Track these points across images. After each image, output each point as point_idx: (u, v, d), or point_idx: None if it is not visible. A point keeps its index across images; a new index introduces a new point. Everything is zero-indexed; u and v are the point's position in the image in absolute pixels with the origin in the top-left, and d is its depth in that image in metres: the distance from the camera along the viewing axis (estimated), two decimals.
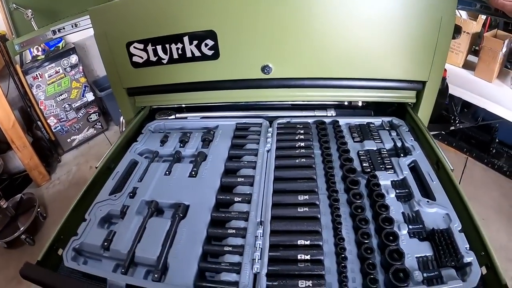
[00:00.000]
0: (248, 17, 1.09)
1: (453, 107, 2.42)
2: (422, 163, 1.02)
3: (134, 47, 1.22)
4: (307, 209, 0.84)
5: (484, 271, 0.77)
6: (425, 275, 0.74)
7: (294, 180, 0.94)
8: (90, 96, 3.09)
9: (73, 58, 2.88)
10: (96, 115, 3.22)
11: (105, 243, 0.86)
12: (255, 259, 0.76)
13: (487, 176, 2.54)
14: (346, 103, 1.31)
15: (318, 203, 0.87)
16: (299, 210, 0.84)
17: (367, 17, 1.08)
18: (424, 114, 1.27)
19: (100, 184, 1.06)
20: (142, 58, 1.24)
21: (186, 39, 1.16)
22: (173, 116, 1.35)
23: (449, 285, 0.73)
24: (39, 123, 2.89)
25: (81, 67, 2.94)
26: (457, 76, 2.23)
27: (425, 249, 0.79)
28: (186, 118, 1.33)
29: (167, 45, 1.19)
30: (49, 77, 2.79)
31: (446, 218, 0.86)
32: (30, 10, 1.29)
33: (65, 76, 2.88)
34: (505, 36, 2.10)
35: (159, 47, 1.20)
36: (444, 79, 1.41)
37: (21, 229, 2.21)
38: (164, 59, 1.22)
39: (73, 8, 1.36)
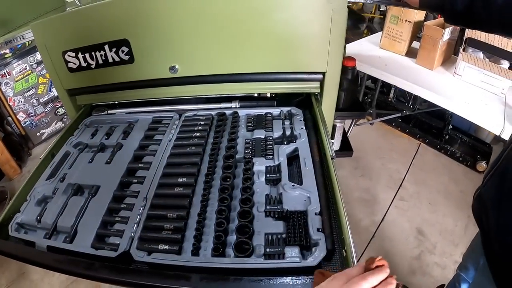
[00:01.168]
0: (154, 24, 1.39)
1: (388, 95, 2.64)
2: (302, 150, 1.25)
3: (68, 55, 1.53)
4: (182, 189, 1.15)
5: (344, 254, 0.90)
6: (268, 250, 0.91)
7: (181, 165, 1.25)
8: (56, 91, 3.43)
9: (39, 55, 3.18)
10: (63, 109, 3.56)
11: (38, 217, 1.18)
12: (133, 226, 1.08)
13: (438, 161, 2.81)
14: (256, 95, 1.59)
15: (194, 184, 1.17)
16: (175, 190, 1.15)
17: (264, 11, 1.31)
18: (328, 103, 1.53)
19: (42, 171, 1.37)
20: (75, 64, 1.55)
21: (106, 47, 1.47)
22: (105, 112, 1.67)
23: (287, 261, 0.88)
24: (9, 119, 3.24)
25: None
26: (398, 64, 2.47)
27: (277, 228, 0.98)
28: (115, 114, 1.64)
29: (93, 53, 1.50)
30: (16, 74, 3.12)
31: (307, 201, 1.03)
32: None
33: (32, 72, 3.21)
34: (448, 25, 2.32)
35: (87, 55, 1.51)
36: (353, 68, 1.67)
37: None
38: (92, 64, 1.53)
39: (27, 16, 1.70)
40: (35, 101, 3.32)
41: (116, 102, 1.71)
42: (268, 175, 1.20)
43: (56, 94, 3.43)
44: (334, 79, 1.48)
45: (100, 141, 1.48)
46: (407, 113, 2.71)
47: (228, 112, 1.50)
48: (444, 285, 1.83)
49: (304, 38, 1.37)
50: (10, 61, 3.07)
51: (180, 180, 1.19)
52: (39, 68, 3.24)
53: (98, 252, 1.02)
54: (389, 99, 2.77)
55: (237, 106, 1.54)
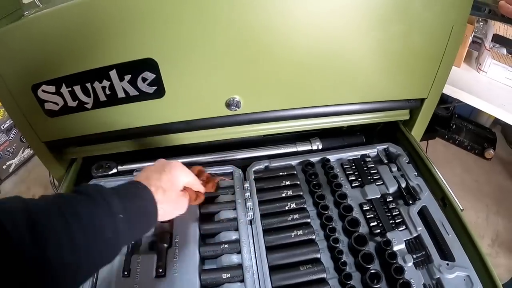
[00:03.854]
0: (200, 41, 0.74)
1: None
2: (432, 209, 0.82)
3: (43, 90, 0.81)
4: None
5: None
6: None
7: (296, 267, 0.67)
8: None
9: None
10: None
11: None
12: None
13: (449, 152, 2.51)
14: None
15: None
16: None
17: (356, 35, 0.78)
18: (418, 131, 1.05)
19: None
20: (57, 104, 0.83)
21: (113, 73, 0.78)
22: (114, 170, 0.97)
23: None
24: None
25: None
26: None
27: None
28: (132, 172, 0.95)
29: (88, 84, 0.80)
30: None
31: (467, 281, 0.69)
32: None
33: None
34: (474, 20, 1.92)
35: (77, 88, 0.80)
36: None
37: None
38: (87, 103, 0.83)
39: None
40: None
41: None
42: (414, 256, 0.72)
43: None
44: (432, 105, 0.99)
45: None
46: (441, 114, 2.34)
47: (313, 159, 0.91)
48: None
49: (408, 62, 0.85)
50: None
51: None
52: None
53: None
54: None
55: (320, 148, 0.96)
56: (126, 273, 0.70)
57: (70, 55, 0.76)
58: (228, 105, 0.82)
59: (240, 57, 0.76)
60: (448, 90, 1.88)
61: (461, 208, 0.85)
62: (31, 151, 2.66)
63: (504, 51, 1.92)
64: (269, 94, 0.84)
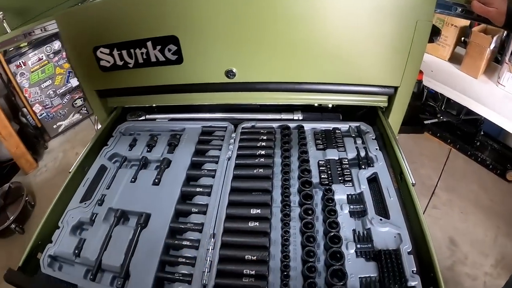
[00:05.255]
0: (208, 22, 1.08)
1: (438, 102, 2.41)
2: (383, 176, 1.03)
3: (101, 51, 1.21)
4: (258, 224, 0.88)
5: None
6: None
7: (250, 192, 0.97)
8: (74, 82, 3.07)
9: (56, 44, 2.83)
10: (81, 100, 3.21)
11: (76, 250, 0.92)
12: (204, 271, 0.82)
13: (469, 168, 2.58)
14: (315, 105, 1.32)
15: (269, 217, 0.91)
16: (250, 224, 0.88)
17: (336, 20, 1.05)
18: (395, 118, 1.27)
19: (73, 188, 1.10)
20: (109, 62, 1.23)
21: (149, 44, 1.15)
22: (143, 117, 1.37)
23: None
24: (24, 110, 2.90)
25: (64, 53, 2.90)
26: (442, 71, 2.19)
27: (370, 270, 0.81)
28: (155, 120, 1.34)
29: (132, 50, 1.18)
30: (32, 64, 2.76)
31: (397, 238, 0.87)
32: (1, 12, 1.27)
33: (49, 62, 2.85)
34: (495, 31, 2.05)
35: (124, 52, 1.19)
36: (420, 81, 1.39)
37: (11, 218, 2.28)
38: (130, 63, 1.22)
39: (45, 4, 1.34)
40: (51, 92, 2.96)
41: (154, 105, 1.40)
42: (351, 206, 0.96)
43: (74, 85, 3.08)
44: (407, 94, 1.21)
45: (142, 154, 1.19)
46: (444, 120, 2.45)
47: (291, 125, 1.21)
48: None
49: (380, 49, 1.09)
50: (25, 51, 2.70)
51: (253, 211, 0.91)
52: (56, 58, 2.87)
53: None
54: (437, 106, 2.50)
55: (300, 118, 1.25)
56: (133, 180, 1.08)
57: (121, 29, 1.16)
58: (227, 74, 1.16)
59: (238, 36, 1.09)
60: (455, 95, 2.01)
61: (413, 183, 1.01)
62: (80, 116, 3.26)
63: None
64: (261, 67, 1.15)
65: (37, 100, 2.91)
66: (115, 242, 0.92)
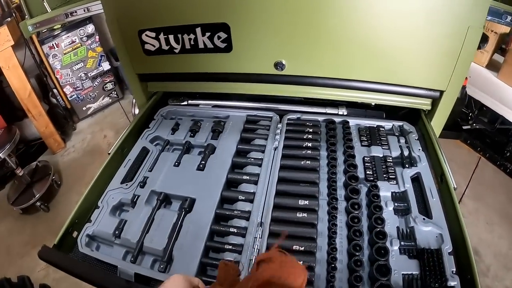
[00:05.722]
0: (262, 11, 1.07)
1: (472, 109, 2.34)
2: (425, 177, 1.03)
3: (146, 35, 1.22)
4: (306, 215, 0.88)
5: None
6: None
7: (297, 183, 0.97)
8: (106, 65, 3.12)
9: (90, 28, 2.87)
10: (112, 84, 3.26)
11: (116, 231, 0.93)
12: (252, 259, 0.82)
13: (497, 178, 2.51)
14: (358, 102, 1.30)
15: (317, 209, 0.90)
16: (298, 215, 0.88)
17: (389, 19, 1.03)
18: (438, 122, 1.25)
19: (112, 169, 1.12)
20: (154, 46, 1.24)
21: (198, 30, 1.15)
22: (185, 102, 1.37)
23: None
24: (55, 91, 2.96)
25: (97, 37, 2.95)
26: (480, 77, 2.12)
27: (412, 267, 0.82)
28: (198, 105, 1.35)
29: (179, 35, 1.19)
30: (65, 46, 2.81)
31: (439, 238, 0.87)
32: None
33: (81, 45, 2.90)
34: None
35: (171, 37, 1.20)
36: (464, 87, 1.35)
37: (36, 196, 2.32)
38: (176, 48, 1.22)
39: None
40: (83, 74, 3.02)
41: (196, 92, 1.41)
42: (395, 204, 0.96)
43: (105, 68, 3.12)
44: (452, 99, 1.19)
45: (185, 139, 1.20)
46: (477, 127, 2.38)
47: (337, 119, 1.20)
48: None
49: (429, 52, 1.08)
50: (59, 33, 2.75)
51: (301, 203, 0.91)
52: (89, 41, 2.92)
53: None
54: (470, 113, 2.44)
55: (344, 113, 1.24)
56: (177, 163, 1.08)
57: (169, 13, 1.16)
58: (276, 65, 1.15)
59: (290, 28, 1.08)
60: (491, 102, 1.94)
61: (455, 187, 1.04)
62: (110, 100, 3.31)
63: None
64: (311, 61, 1.14)
65: (68, 82, 2.97)
66: (157, 225, 0.93)
